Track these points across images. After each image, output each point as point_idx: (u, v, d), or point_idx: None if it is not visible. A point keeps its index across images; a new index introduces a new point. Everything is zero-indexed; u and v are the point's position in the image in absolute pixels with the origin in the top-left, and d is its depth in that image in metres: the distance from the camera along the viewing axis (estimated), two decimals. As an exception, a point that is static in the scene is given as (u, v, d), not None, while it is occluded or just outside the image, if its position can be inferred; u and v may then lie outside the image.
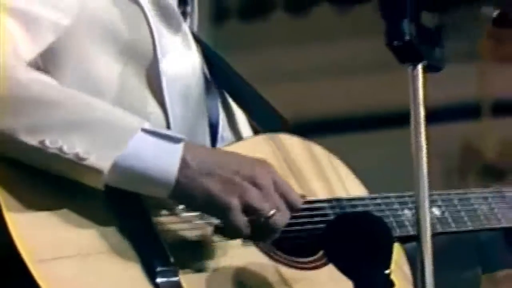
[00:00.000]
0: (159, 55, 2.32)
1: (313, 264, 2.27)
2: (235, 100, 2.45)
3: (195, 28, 2.49)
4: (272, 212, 2.15)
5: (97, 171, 2.07)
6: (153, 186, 2.13)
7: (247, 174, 2.16)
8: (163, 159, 2.13)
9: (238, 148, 2.29)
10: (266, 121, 2.44)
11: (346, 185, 2.39)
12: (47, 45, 2.23)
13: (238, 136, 2.45)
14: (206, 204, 2.15)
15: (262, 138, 2.39)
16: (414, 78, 2.07)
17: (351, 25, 6.77)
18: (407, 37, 2.06)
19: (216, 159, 2.18)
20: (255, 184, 2.16)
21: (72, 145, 2.07)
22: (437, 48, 2.10)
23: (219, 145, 2.37)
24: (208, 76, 2.45)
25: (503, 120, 6.91)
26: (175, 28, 2.39)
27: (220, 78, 2.46)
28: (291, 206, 2.19)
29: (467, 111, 7.00)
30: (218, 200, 2.14)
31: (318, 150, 2.41)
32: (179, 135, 2.17)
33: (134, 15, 2.33)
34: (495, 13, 2.16)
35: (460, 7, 2.14)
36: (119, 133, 2.11)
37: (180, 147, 2.14)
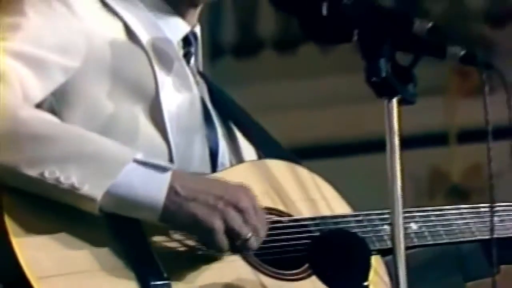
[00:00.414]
0: (161, 93, 2.28)
1: (297, 276, 2.22)
2: (239, 128, 2.43)
3: (201, 67, 2.47)
4: (249, 235, 2.13)
5: (91, 199, 2.05)
6: (143, 211, 2.11)
7: (230, 199, 2.13)
8: (152, 187, 2.10)
9: (229, 174, 2.28)
10: (266, 147, 2.42)
11: (331, 204, 2.34)
12: (57, 86, 2.20)
13: (240, 161, 2.40)
14: (192, 226, 2.13)
15: (250, 164, 2.36)
16: (390, 110, 2.09)
17: (334, 62, 6.75)
18: (383, 75, 2.08)
19: (202, 186, 2.15)
20: (237, 208, 2.13)
21: (68, 176, 2.05)
22: (410, 84, 2.10)
23: (219, 170, 2.33)
24: (211, 108, 2.41)
25: (468, 147, 6.91)
26: (175, 68, 2.34)
27: (224, 109, 2.43)
28: (263, 230, 2.16)
29: (435, 139, 7.00)
30: (203, 223, 2.11)
31: (303, 172, 2.37)
32: (168, 165, 2.15)
33: (138, 58, 2.29)
34: (462, 52, 2.15)
35: (430, 47, 2.15)
36: (112, 164, 2.09)
37: (168, 175, 2.11)
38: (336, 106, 7.36)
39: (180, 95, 2.32)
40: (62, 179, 2.04)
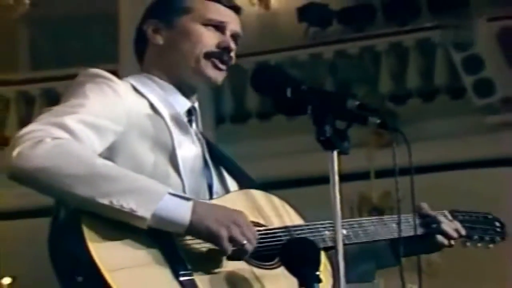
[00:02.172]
0: (176, 147, 2.23)
1: (272, 266, 2.17)
2: (226, 170, 2.36)
3: (201, 129, 2.40)
4: (244, 242, 2.07)
5: (143, 219, 2.00)
6: (175, 226, 2.04)
7: (231, 219, 2.08)
8: (181, 211, 2.04)
9: (225, 199, 2.22)
10: (243, 181, 2.35)
11: (292, 218, 2.29)
12: (109, 143, 2.15)
13: (226, 191, 2.32)
14: (207, 236, 2.06)
15: (240, 192, 2.30)
16: (332, 158, 2.06)
17: (296, 126, 6.78)
18: (328, 135, 2.06)
19: (213, 210, 2.09)
20: (236, 224, 2.07)
21: (127, 203, 1.99)
22: (345, 141, 2.08)
23: (214, 197, 2.27)
24: (208, 157, 2.34)
25: (382, 180, 6.93)
26: (184, 130, 2.29)
27: (217, 158, 2.36)
28: (254, 239, 2.11)
29: (362, 175, 7.03)
30: (214, 234, 2.05)
31: (272, 197, 2.31)
32: (190, 196, 2.09)
33: (160, 124, 2.24)
34: (378, 121, 2.11)
35: (358, 117, 2.12)
36: (156, 195, 2.03)
37: (191, 203, 2.06)
38: (296, 155, 7.38)
39: (188, 148, 2.27)
40: (124, 205, 1.99)
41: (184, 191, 2.19)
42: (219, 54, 2.31)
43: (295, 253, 2.05)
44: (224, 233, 2.05)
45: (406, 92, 9.16)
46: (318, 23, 10.82)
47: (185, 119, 2.31)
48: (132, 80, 2.29)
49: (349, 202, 7.05)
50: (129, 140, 2.18)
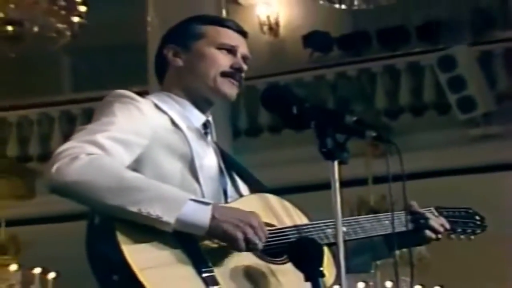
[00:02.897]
0: (195, 157, 2.20)
1: (283, 261, 2.14)
2: (238, 175, 2.34)
3: (215, 139, 2.37)
4: (257, 241, 2.05)
5: (168, 224, 1.99)
6: (196, 229, 2.02)
7: (246, 220, 2.05)
8: (201, 215, 2.03)
9: (242, 201, 2.21)
10: (254, 185, 2.33)
11: (301, 218, 2.26)
12: (136, 156, 2.14)
13: (239, 195, 2.30)
14: (225, 237, 2.04)
15: (254, 195, 2.27)
16: (333, 167, 2.06)
17: (302, 139, 6.77)
18: (329, 147, 2.05)
19: (230, 213, 2.07)
20: (250, 226, 2.05)
21: (154, 210, 1.98)
22: (345, 152, 2.07)
23: (229, 201, 2.24)
24: (222, 165, 2.32)
25: (378, 186, 6.89)
26: (201, 141, 2.27)
27: (230, 165, 2.34)
28: (265, 238, 2.08)
29: (361, 181, 7.00)
30: (231, 235, 2.04)
31: (284, 201, 2.28)
32: (209, 201, 2.08)
33: (180, 137, 2.22)
34: (374, 134, 2.12)
35: (355, 131, 2.12)
36: (178, 202, 2.02)
37: (210, 207, 2.04)
38: (302, 164, 7.36)
39: (206, 158, 2.25)
40: (151, 212, 1.98)
41: (202, 196, 2.17)
42: (233, 74, 2.30)
43: (300, 251, 2.04)
44: (239, 235, 2.03)
45: (398, 108, 9.16)
46: (321, 49, 10.89)
47: (202, 132, 2.30)
48: (154, 98, 2.28)
49: (349, 205, 7.03)
50: (153, 152, 2.16)
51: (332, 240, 2.19)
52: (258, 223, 2.07)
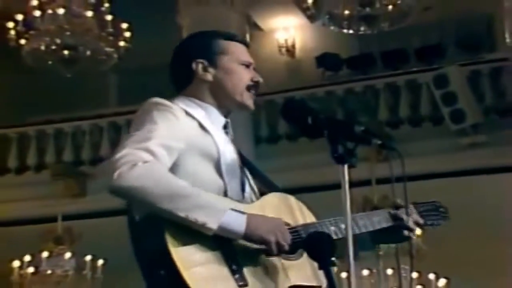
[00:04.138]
0: (222, 158, 2.18)
1: (296, 257, 2.13)
2: (249, 171, 2.31)
3: (232, 136, 2.32)
4: (285, 245, 2.05)
5: (210, 229, 1.99)
6: (233, 235, 2.02)
7: (277, 228, 2.06)
8: (238, 222, 2.02)
9: (265, 200, 2.20)
10: (266, 185, 2.30)
11: (310, 216, 2.24)
12: (175, 159, 2.12)
13: (252, 189, 2.28)
14: (261, 242, 2.04)
15: (275, 195, 2.24)
16: (343, 170, 2.04)
17: (317, 146, 6.74)
18: (340, 153, 2.05)
19: (262, 221, 2.06)
20: (280, 232, 2.05)
21: (199, 217, 1.98)
22: (354, 157, 2.06)
23: (246, 195, 2.23)
24: (240, 163, 2.29)
25: (381, 187, 6.86)
26: (226, 142, 2.24)
27: (244, 163, 2.30)
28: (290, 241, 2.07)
29: (365, 182, 6.95)
30: (266, 240, 2.04)
31: (299, 201, 2.26)
32: (244, 211, 2.06)
33: (209, 139, 2.19)
34: (379, 142, 2.12)
35: (363, 139, 2.11)
36: (220, 210, 2.01)
37: (245, 217, 2.04)
38: (316, 168, 7.32)
39: (229, 157, 2.22)
40: (198, 219, 1.98)
41: (226, 190, 2.16)
42: (255, 87, 2.29)
43: (314, 244, 2.03)
44: (273, 239, 2.04)
45: (398, 120, 9.11)
46: (331, 68, 10.89)
47: (225, 133, 2.27)
48: (181, 104, 2.23)
49: (356, 203, 6.96)
50: (187, 154, 2.14)
51: (334, 237, 2.16)
52: (285, 229, 2.07)
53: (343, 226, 2.14)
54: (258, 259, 2.07)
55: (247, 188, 2.26)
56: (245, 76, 2.28)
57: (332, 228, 2.18)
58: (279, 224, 2.07)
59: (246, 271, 2.02)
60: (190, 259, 1.96)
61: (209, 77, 2.28)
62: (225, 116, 2.30)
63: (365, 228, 2.29)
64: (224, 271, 1.99)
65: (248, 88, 2.28)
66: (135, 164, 2.00)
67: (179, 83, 2.31)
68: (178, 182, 2.03)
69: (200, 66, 2.28)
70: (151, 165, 2.01)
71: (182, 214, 1.97)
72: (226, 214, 2.01)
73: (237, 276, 1.99)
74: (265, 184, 2.29)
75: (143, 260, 2.03)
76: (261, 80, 2.31)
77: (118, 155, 2.02)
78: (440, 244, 6.85)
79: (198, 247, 1.99)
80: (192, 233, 1.99)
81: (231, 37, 2.32)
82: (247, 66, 2.29)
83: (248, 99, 2.29)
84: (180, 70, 2.32)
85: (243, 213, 2.05)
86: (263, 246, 2.06)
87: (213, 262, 1.99)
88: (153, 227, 2.00)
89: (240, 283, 2.00)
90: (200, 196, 2.03)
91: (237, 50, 2.31)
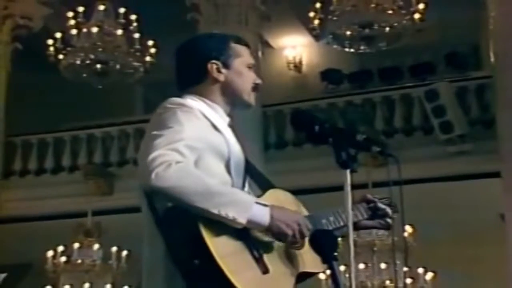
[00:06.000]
0: (231, 155, 2.14)
1: (300, 247, 2.09)
2: (250, 171, 2.23)
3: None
4: (299, 239, 2.03)
5: (240, 223, 1.96)
6: (258, 226, 1.99)
7: (295, 220, 2.03)
8: (263, 215, 1.99)
9: (272, 194, 2.15)
10: (263, 183, 2.24)
11: (303, 209, 2.19)
12: (196, 157, 2.06)
13: (251, 188, 2.23)
14: (278, 233, 2.01)
15: (277, 190, 2.19)
16: (346, 175, 2.03)
17: (321, 152, 6.71)
18: (343, 159, 2.03)
19: (283, 214, 2.03)
20: (298, 224, 2.02)
21: (230, 212, 1.95)
22: (355, 163, 2.04)
23: (245, 189, 2.18)
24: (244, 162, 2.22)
25: (377, 189, 6.80)
26: (233, 141, 2.18)
27: (247, 162, 2.22)
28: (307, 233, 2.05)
29: (362, 186, 6.89)
30: (283, 232, 2.00)
31: (294, 196, 2.21)
32: (268, 204, 2.03)
33: (220, 138, 2.14)
34: (378, 149, 2.10)
35: (364, 147, 2.10)
36: (248, 206, 1.98)
37: (268, 209, 2.01)
38: (320, 172, 7.30)
39: (238, 155, 2.17)
40: (229, 215, 1.94)
41: (233, 185, 2.11)
42: (258, 87, 2.25)
43: (318, 240, 2.02)
44: (290, 232, 2.00)
45: (393, 129, 9.10)
46: (334, 82, 10.89)
47: (231, 130, 2.23)
48: (195, 104, 2.17)
49: (353, 203, 6.93)
50: (204, 153, 2.09)
51: (333, 226, 2.15)
52: (302, 222, 2.03)
53: (331, 218, 2.15)
54: (274, 246, 2.05)
55: (246, 185, 2.22)
56: (250, 78, 2.24)
57: (324, 221, 2.16)
58: (297, 218, 2.03)
59: (266, 258, 2.00)
60: (223, 249, 1.94)
61: (221, 77, 2.21)
62: (228, 115, 2.26)
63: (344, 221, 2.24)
64: (249, 259, 1.97)
65: (254, 88, 2.25)
66: (170, 164, 1.94)
67: (188, 82, 2.22)
68: (210, 180, 2.00)
69: (214, 67, 2.21)
70: (184, 166, 1.96)
71: (214, 210, 1.94)
72: (253, 208, 1.98)
73: (260, 263, 1.97)
74: (261, 182, 2.24)
75: (176, 252, 1.97)
76: (261, 82, 2.28)
77: (151, 157, 1.96)
78: (428, 242, 6.83)
79: (227, 237, 1.97)
80: (219, 224, 1.96)
81: (239, 40, 2.28)
82: (250, 68, 2.26)
83: (253, 99, 2.26)
84: (192, 69, 2.24)
85: (266, 205, 2.01)
86: (271, 237, 2.02)
87: (240, 252, 1.97)
88: (185, 220, 1.96)
89: (263, 270, 1.97)
90: (230, 193, 2.00)
91: (245, 53, 2.26)
